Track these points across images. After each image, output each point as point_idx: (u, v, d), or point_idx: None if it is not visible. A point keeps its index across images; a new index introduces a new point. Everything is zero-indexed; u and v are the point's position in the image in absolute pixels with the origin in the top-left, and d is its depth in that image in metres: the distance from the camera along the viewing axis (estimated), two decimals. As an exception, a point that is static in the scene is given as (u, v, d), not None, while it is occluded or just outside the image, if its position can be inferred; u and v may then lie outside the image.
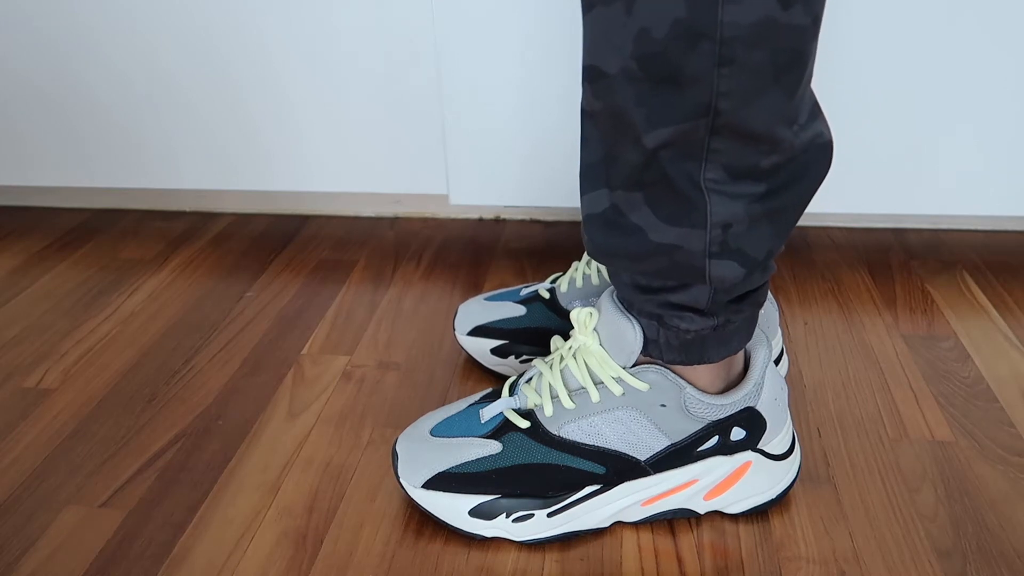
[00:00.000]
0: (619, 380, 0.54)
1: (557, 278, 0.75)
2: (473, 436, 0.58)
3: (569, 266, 0.93)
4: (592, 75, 0.45)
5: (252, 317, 0.86)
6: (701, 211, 0.47)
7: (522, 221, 1.05)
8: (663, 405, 0.55)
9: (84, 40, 0.97)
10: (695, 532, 0.58)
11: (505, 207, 1.06)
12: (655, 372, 0.54)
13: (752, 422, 0.56)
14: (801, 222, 1.00)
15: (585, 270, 0.71)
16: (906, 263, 0.91)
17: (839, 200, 0.95)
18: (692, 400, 0.54)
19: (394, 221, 1.07)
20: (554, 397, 0.57)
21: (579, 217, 1.04)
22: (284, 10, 0.92)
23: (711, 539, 0.57)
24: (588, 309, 0.56)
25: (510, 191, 1.00)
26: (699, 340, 0.53)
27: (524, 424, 0.57)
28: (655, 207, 0.48)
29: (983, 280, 0.87)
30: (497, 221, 1.06)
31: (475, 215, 1.07)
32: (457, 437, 0.59)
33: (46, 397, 0.75)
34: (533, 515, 0.56)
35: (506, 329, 0.72)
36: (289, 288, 0.91)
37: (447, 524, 0.57)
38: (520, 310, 0.73)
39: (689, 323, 0.52)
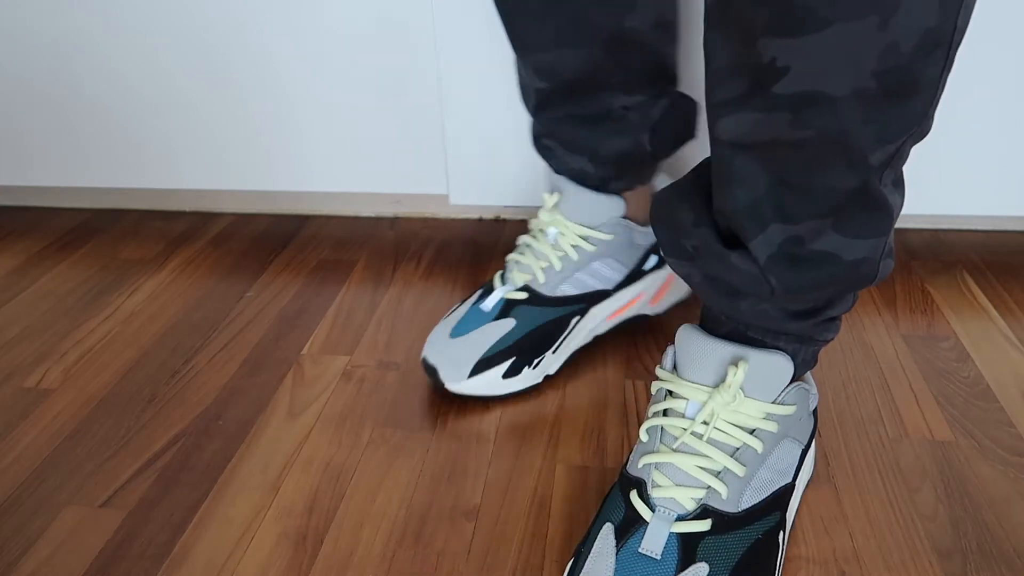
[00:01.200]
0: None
1: (503, 276, 0.74)
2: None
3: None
4: (803, 102, 0.41)
5: (252, 317, 0.86)
6: (890, 216, 0.46)
7: (522, 221, 1.05)
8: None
9: (83, 40, 0.97)
10: (695, 532, 0.58)
11: (505, 207, 1.06)
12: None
13: None
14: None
15: (551, 253, 0.71)
16: (906, 263, 0.91)
17: (839, 200, 0.95)
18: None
19: (394, 221, 1.07)
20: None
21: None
22: (285, 10, 0.92)
23: (711, 539, 0.57)
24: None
25: (510, 191, 1.00)
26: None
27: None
28: (844, 228, 0.46)
29: (983, 280, 0.87)
30: (497, 221, 1.06)
31: (475, 215, 1.07)
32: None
33: (46, 397, 0.75)
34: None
35: (509, 346, 0.69)
36: (289, 288, 0.91)
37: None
38: (508, 323, 0.70)
39: (834, 331, 0.53)
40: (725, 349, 0.51)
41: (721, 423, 0.51)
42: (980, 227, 0.98)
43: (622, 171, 0.71)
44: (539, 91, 0.65)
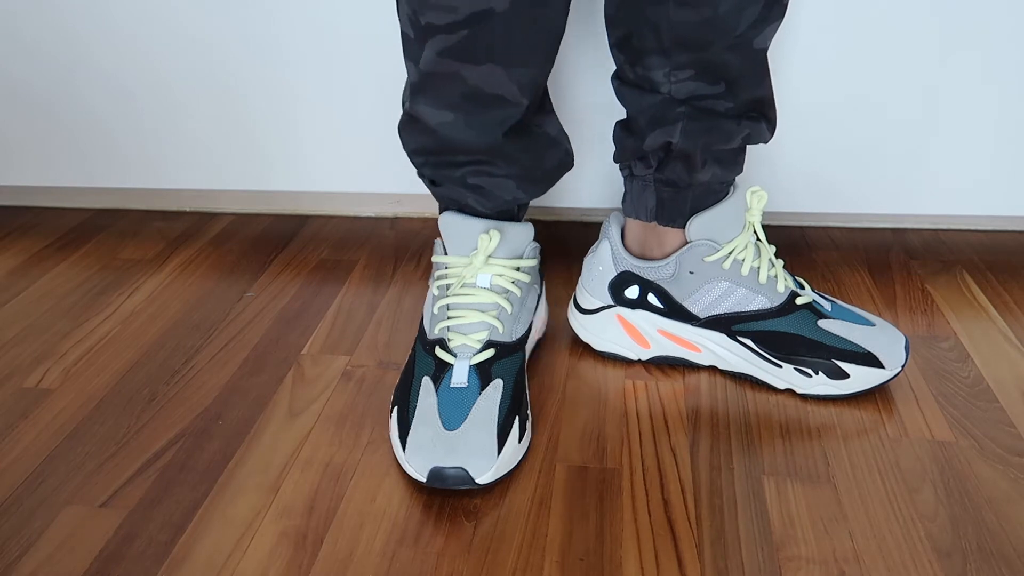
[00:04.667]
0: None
1: (442, 346, 0.68)
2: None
3: (572, 268, 0.93)
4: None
5: (252, 317, 0.86)
6: None
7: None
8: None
9: (83, 41, 0.97)
10: (696, 532, 0.58)
11: (505, 207, 1.06)
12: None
13: None
14: (801, 222, 1.01)
15: (497, 299, 0.69)
16: (906, 263, 0.91)
17: (839, 200, 0.95)
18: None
19: (394, 221, 1.07)
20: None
21: (579, 217, 1.04)
22: (285, 10, 0.92)
23: (711, 539, 0.57)
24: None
25: (510, 191, 1.00)
26: None
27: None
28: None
29: (983, 280, 0.87)
30: (497, 221, 1.06)
31: (475, 215, 1.07)
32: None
33: (46, 397, 0.75)
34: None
35: (510, 406, 0.65)
36: (289, 288, 0.91)
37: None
38: (497, 385, 0.66)
39: None
40: (739, 203, 0.69)
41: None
42: (980, 227, 0.98)
43: (550, 185, 0.72)
44: (522, 108, 0.62)
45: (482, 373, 0.66)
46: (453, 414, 0.63)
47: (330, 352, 0.79)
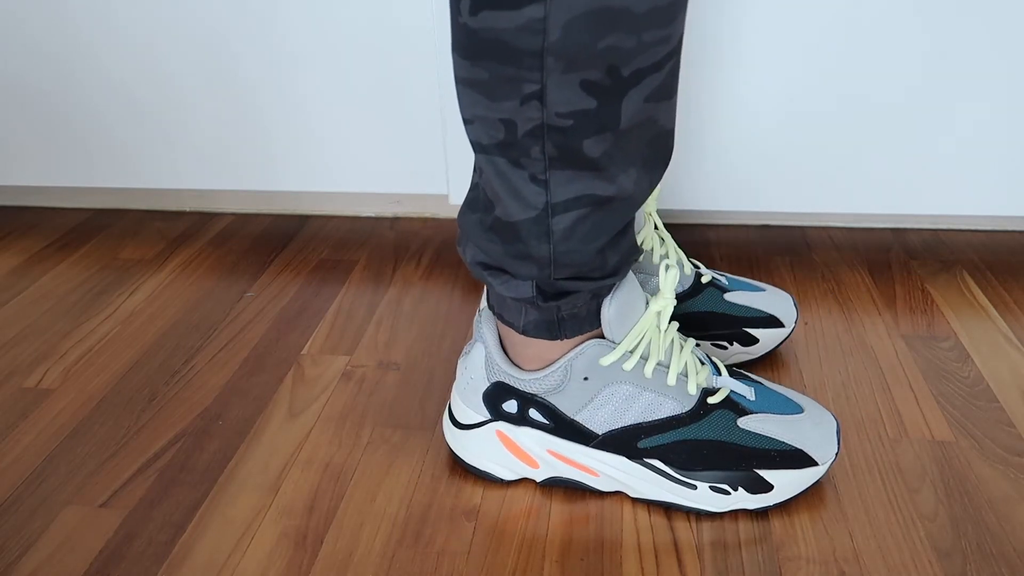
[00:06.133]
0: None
1: (704, 361, 0.62)
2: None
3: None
4: None
5: (252, 317, 0.86)
6: None
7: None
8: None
9: (83, 41, 0.97)
10: (695, 532, 0.58)
11: (505, 207, 1.06)
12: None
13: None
14: (801, 222, 1.01)
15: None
16: (906, 263, 0.91)
17: (839, 200, 0.95)
18: None
19: (394, 221, 1.07)
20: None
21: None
22: (284, 11, 0.92)
23: (711, 539, 0.57)
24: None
25: (510, 191, 0.99)
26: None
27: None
28: None
29: (983, 280, 0.87)
30: (497, 221, 1.06)
31: (475, 215, 1.07)
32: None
33: (46, 397, 0.75)
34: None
35: None
36: (289, 288, 0.91)
37: None
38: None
39: None
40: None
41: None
42: (980, 227, 0.98)
43: None
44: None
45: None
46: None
47: (330, 352, 0.79)
